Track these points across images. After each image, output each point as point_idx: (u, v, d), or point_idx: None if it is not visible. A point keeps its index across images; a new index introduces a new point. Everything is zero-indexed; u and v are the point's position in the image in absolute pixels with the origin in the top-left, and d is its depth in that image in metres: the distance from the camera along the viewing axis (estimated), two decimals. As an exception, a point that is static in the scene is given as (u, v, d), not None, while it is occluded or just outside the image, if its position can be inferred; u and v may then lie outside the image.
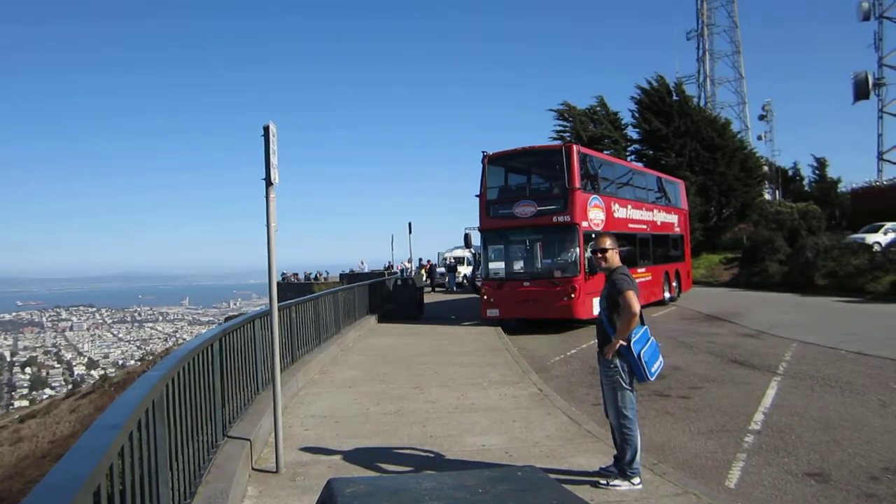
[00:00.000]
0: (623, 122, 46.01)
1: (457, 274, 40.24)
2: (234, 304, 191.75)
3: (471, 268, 40.32)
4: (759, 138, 66.74)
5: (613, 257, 6.19)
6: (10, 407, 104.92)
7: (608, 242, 6.21)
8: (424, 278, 36.75)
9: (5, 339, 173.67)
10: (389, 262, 43.28)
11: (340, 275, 50.22)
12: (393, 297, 22.90)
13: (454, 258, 42.03)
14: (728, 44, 65.90)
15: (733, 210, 44.64)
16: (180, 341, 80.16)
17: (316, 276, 55.47)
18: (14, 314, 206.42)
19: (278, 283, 6.83)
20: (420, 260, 41.35)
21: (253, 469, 6.50)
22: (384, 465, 6.57)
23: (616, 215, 20.17)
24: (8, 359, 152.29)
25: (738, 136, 50.33)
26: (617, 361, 5.94)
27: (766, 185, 51.59)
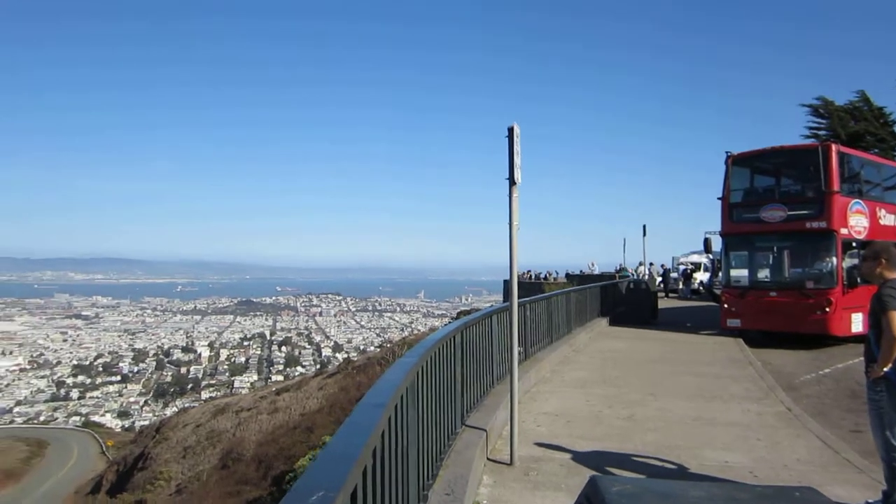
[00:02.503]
0: (891, 117, 41.06)
1: (693, 280, 38.33)
2: (466, 300, 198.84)
3: (708, 274, 38.25)
4: None
5: (883, 268, 5.55)
6: (269, 380, 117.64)
7: (879, 251, 5.59)
8: (658, 283, 35.46)
9: (266, 319, 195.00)
10: (621, 265, 42.36)
11: (567, 275, 49.98)
12: (625, 300, 22.39)
13: (691, 263, 40.08)
14: None
15: None
16: (415, 332, 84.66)
17: (545, 275, 55.72)
18: (273, 298, 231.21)
19: (507, 282, 6.95)
20: (651, 264, 40.00)
21: (488, 459, 6.68)
22: (619, 471, 6.43)
23: (882, 222, 18.06)
24: (268, 337, 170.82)
25: None
26: (884, 385, 5.33)
27: None
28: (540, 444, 7.33)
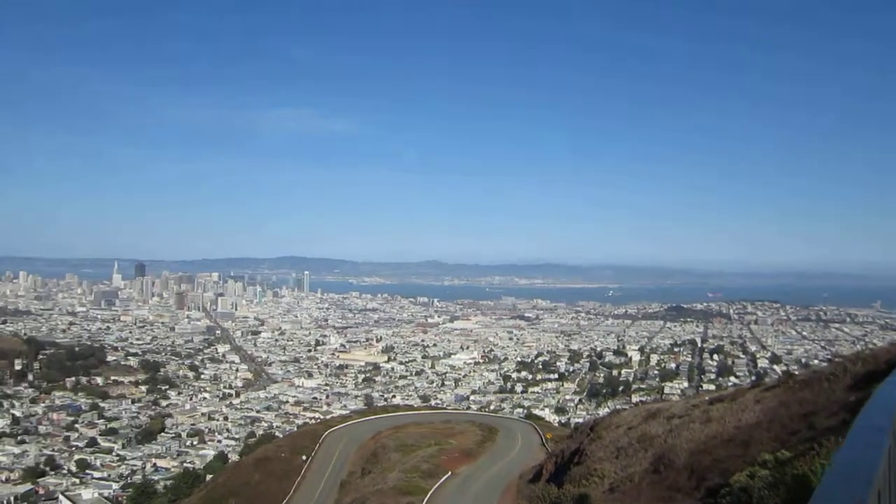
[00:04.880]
0: None
1: None
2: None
3: None
4: None
5: None
6: (700, 388, 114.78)
7: None
8: None
9: (697, 326, 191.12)
10: None
11: None
12: None
13: None
14: None
15: None
16: (870, 346, 74.42)
17: None
18: (704, 304, 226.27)
19: None
20: None
21: None
22: None
23: None
24: (699, 344, 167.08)
25: None
26: None
27: None
28: None
